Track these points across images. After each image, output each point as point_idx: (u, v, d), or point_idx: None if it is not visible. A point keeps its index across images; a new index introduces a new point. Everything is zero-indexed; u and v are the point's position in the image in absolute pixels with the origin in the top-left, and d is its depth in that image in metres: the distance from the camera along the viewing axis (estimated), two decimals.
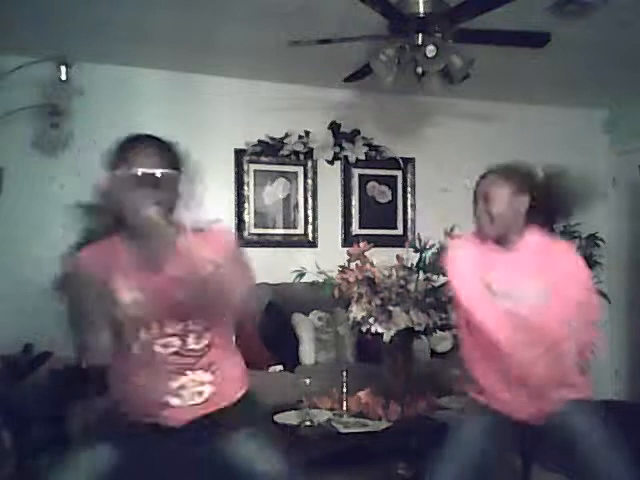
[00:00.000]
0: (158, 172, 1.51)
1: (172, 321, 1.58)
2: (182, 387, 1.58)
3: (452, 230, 3.14)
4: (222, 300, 1.53)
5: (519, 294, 2.01)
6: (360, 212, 5.00)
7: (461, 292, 2.08)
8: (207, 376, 1.61)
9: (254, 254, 5.45)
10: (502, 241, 2.09)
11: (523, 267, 2.05)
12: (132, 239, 1.59)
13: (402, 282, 3.17)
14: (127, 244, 1.60)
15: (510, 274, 2.04)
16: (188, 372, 1.58)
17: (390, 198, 5.09)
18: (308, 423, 2.92)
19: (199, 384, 1.59)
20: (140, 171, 1.50)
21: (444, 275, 3.23)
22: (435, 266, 3.21)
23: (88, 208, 1.76)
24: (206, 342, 1.61)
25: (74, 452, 1.59)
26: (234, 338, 1.78)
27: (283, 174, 4.81)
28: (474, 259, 2.09)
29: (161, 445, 1.55)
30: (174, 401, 1.57)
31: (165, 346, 1.58)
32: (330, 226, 4.91)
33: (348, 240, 4.77)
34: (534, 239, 2.10)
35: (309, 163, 4.86)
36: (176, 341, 1.58)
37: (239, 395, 1.68)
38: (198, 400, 1.59)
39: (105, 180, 1.56)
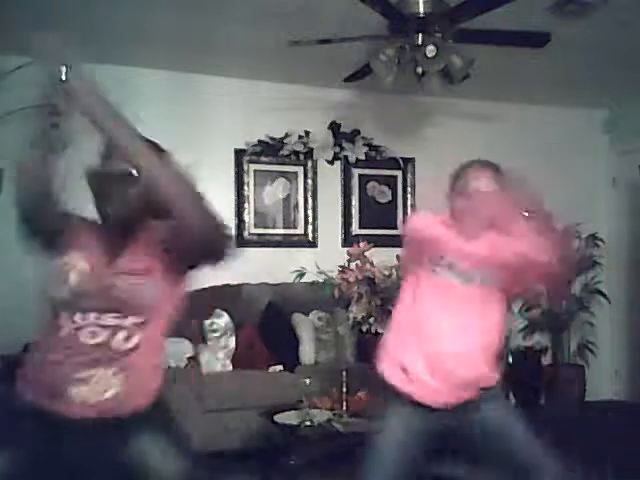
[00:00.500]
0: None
1: (108, 311, 1.54)
2: (90, 381, 1.51)
3: None
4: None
5: (470, 277, 2.02)
6: (360, 212, 5.00)
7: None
8: (121, 377, 1.54)
9: (254, 254, 5.45)
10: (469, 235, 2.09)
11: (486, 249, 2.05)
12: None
13: None
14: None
15: (466, 260, 2.04)
16: (103, 368, 1.52)
17: (390, 198, 5.09)
18: (308, 423, 2.92)
19: (110, 383, 1.53)
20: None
21: None
22: None
23: None
24: (133, 344, 1.56)
25: None
26: (163, 346, 1.70)
27: (283, 174, 4.81)
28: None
29: (56, 437, 1.51)
30: (74, 391, 1.50)
31: (90, 336, 1.53)
32: (330, 226, 4.91)
33: (348, 240, 4.77)
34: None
35: (309, 163, 4.86)
36: (104, 334, 1.54)
37: (148, 402, 1.60)
38: (103, 398, 1.52)
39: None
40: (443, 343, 2.00)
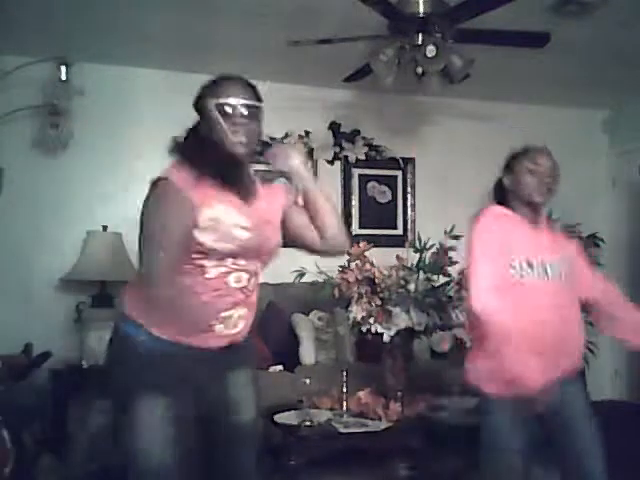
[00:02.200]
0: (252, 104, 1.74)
1: (254, 257, 1.75)
2: (229, 318, 1.73)
3: (452, 230, 3.14)
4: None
5: (554, 267, 2.12)
6: (360, 212, 5.00)
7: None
8: (245, 312, 1.78)
9: None
10: (535, 216, 2.17)
11: (554, 243, 2.18)
12: (216, 170, 1.71)
13: (402, 282, 3.17)
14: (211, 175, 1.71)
15: (546, 250, 2.13)
16: (238, 306, 1.74)
17: (390, 198, 5.08)
18: (308, 423, 2.92)
19: (239, 318, 1.76)
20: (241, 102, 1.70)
21: (444, 275, 3.25)
22: (435, 266, 3.21)
23: None
24: (257, 283, 1.80)
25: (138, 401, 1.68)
26: None
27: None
28: (505, 233, 2.09)
29: (196, 364, 1.72)
30: (218, 327, 1.72)
31: (236, 280, 1.72)
32: None
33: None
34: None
35: (309, 163, 4.85)
36: (245, 277, 1.74)
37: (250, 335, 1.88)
38: (233, 331, 1.76)
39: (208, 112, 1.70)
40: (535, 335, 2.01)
